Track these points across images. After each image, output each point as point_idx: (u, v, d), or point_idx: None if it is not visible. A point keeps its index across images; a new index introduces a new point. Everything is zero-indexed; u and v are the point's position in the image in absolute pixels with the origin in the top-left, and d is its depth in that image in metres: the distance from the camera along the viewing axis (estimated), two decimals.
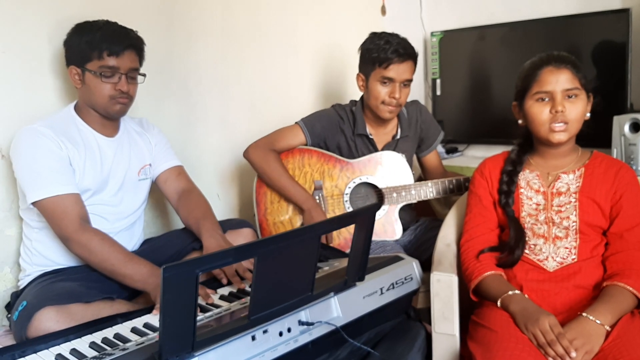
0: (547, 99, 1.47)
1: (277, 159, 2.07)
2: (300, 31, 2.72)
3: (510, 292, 1.41)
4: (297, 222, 2.10)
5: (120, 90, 1.65)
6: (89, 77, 1.64)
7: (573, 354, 1.23)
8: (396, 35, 2.01)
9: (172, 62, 2.22)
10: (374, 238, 2.01)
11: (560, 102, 1.44)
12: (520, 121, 1.56)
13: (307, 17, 2.75)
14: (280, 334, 1.23)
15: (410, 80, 2.03)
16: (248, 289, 1.56)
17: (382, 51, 1.98)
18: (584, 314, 1.31)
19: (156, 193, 1.98)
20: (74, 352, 1.24)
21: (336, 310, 1.35)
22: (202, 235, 1.71)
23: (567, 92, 1.45)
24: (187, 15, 2.26)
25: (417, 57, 2.03)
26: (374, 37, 2.03)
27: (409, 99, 2.19)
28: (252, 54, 2.52)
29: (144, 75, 1.73)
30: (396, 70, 1.98)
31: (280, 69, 2.65)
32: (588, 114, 1.50)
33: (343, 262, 1.59)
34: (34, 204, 1.57)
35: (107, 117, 1.72)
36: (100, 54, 1.62)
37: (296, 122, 2.13)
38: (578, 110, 1.45)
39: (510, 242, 1.51)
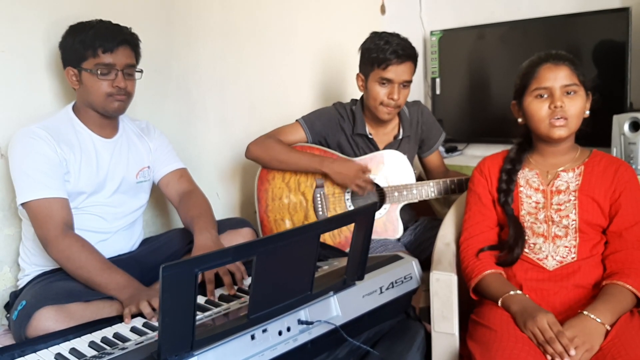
0: (546, 95, 1.47)
1: (277, 141, 2.06)
2: (299, 30, 2.72)
3: (512, 292, 1.41)
4: (298, 219, 2.10)
5: (117, 87, 1.65)
6: (86, 76, 1.64)
7: (572, 352, 1.23)
8: (397, 36, 2.00)
9: (172, 62, 2.22)
10: (375, 237, 2.03)
11: (559, 97, 1.44)
12: (519, 120, 1.56)
13: (307, 16, 2.75)
14: (280, 333, 1.23)
15: (410, 82, 2.01)
16: (241, 291, 1.56)
17: (381, 52, 1.96)
18: (585, 312, 1.31)
19: (156, 192, 1.98)
20: (73, 351, 1.24)
21: (335, 309, 1.35)
22: (194, 232, 1.69)
23: (565, 88, 1.45)
24: (186, 15, 2.25)
25: (417, 58, 2.02)
26: (374, 36, 2.02)
27: (409, 99, 2.19)
28: (251, 52, 2.52)
29: (141, 71, 1.73)
30: (395, 72, 1.97)
31: (279, 67, 2.65)
32: (587, 112, 1.50)
33: (342, 262, 1.59)
34: (22, 205, 1.58)
35: (106, 115, 1.71)
36: (95, 51, 1.61)
37: (296, 120, 2.13)
38: (577, 106, 1.46)
39: (510, 241, 1.51)
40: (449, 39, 2.87)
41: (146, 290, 1.50)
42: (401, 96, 2.00)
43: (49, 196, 1.56)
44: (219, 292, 1.56)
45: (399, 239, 2.09)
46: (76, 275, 1.55)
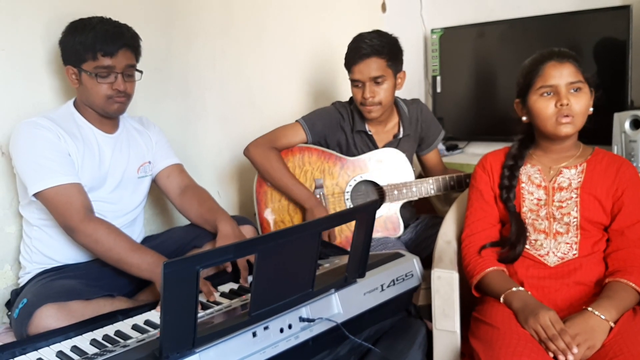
0: (551, 94, 1.46)
1: (279, 158, 2.06)
2: (300, 29, 2.72)
3: (514, 289, 1.41)
4: (298, 220, 2.10)
5: (117, 90, 1.64)
6: (85, 77, 1.63)
7: (575, 350, 1.23)
8: (372, 33, 1.98)
9: (172, 60, 2.22)
10: (376, 235, 2.02)
11: (565, 95, 1.44)
12: (524, 118, 1.55)
13: (307, 14, 2.75)
14: (281, 330, 1.23)
15: (382, 77, 1.95)
16: (242, 289, 1.56)
17: (347, 54, 1.98)
18: (590, 309, 1.31)
19: (157, 190, 1.98)
20: (74, 349, 1.24)
21: (337, 306, 1.35)
22: (219, 221, 1.72)
23: (571, 85, 1.45)
24: (186, 14, 2.25)
25: (387, 51, 1.95)
26: (352, 39, 2.01)
27: (409, 97, 2.18)
28: (251, 51, 2.52)
29: (141, 72, 1.72)
30: (359, 71, 1.95)
31: (279, 66, 2.65)
32: (591, 109, 1.50)
33: (343, 259, 1.59)
34: (36, 195, 1.56)
35: (106, 116, 1.72)
36: (95, 54, 1.60)
37: (297, 120, 2.12)
38: (583, 103, 1.45)
39: (512, 238, 1.51)
40: (450, 37, 2.87)
41: None
42: (377, 93, 1.97)
43: (64, 182, 1.55)
44: (219, 289, 1.56)
45: (399, 237, 2.09)
46: (106, 257, 1.56)
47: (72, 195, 1.55)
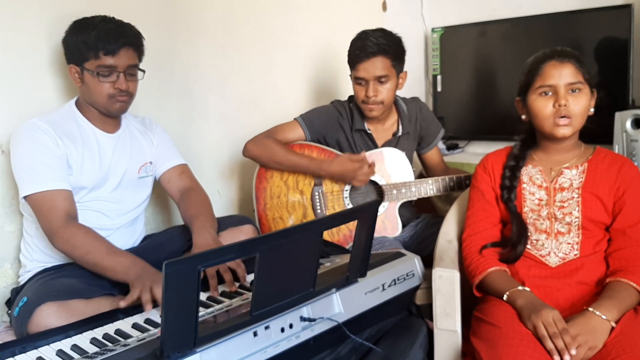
0: (550, 93, 1.46)
1: (276, 142, 2.05)
2: (301, 28, 2.72)
3: (519, 288, 1.41)
4: (297, 218, 2.10)
5: (119, 89, 1.64)
6: (88, 76, 1.64)
7: (573, 352, 1.23)
8: (377, 31, 1.97)
9: (173, 59, 2.22)
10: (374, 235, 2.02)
11: (563, 95, 1.44)
12: (523, 117, 1.56)
13: (308, 14, 2.74)
14: (282, 330, 1.23)
15: (386, 76, 1.96)
16: (243, 288, 1.56)
17: (352, 51, 1.98)
18: (591, 309, 1.31)
19: (157, 189, 1.97)
20: (74, 347, 1.24)
21: (338, 306, 1.35)
22: (193, 231, 1.69)
23: (570, 86, 1.44)
24: (188, 12, 2.25)
25: (392, 51, 1.95)
26: (356, 36, 2.01)
27: (408, 95, 2.18)
28: (252, 50, 2.51)
29: (144, 71, 1.72)
30: (364, 69, 1.95)
31: (281, 65, 2.64)
32: (592, 110, 1.49)
33: (344, 259, 1.59)
34: (25, 198, 1.57)
35: (108, 115, 1.71)
36: (97, 53, 1.60)
37: (295, 118, 2.13)
38: (581, 104, 1.45)
39: (513, 238, 1.51)
40: (451, 36, 2.87)
41: (152, 274, 1.48)
42: (380, 92, 1.97)
43: (52, 188, 1.56)
44: (220, 289, 1.56)
45: (397, 237, 2.08)
46: (84, 262, 1.55)
47: (56, 201, 1.56)
